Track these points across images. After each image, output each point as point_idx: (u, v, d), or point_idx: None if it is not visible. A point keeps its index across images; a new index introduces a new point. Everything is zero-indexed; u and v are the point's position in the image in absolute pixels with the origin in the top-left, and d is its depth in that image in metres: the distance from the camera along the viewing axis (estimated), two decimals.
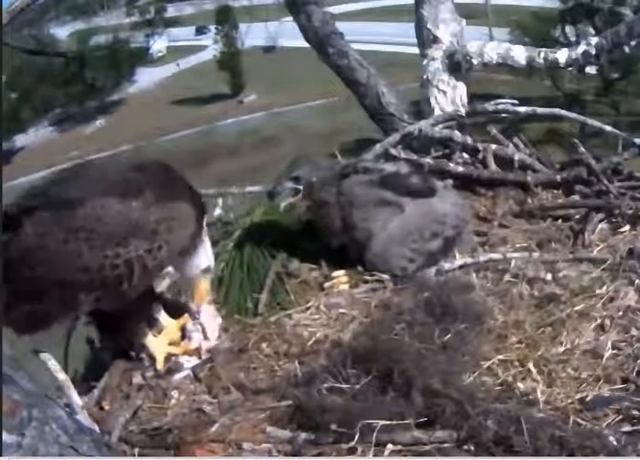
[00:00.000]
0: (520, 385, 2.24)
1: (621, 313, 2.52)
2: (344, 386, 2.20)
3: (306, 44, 4.89)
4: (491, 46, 4.56)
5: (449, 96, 4.48)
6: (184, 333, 2.68)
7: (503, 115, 4.14)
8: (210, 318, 2.70)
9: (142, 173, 2.44)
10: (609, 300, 2.59)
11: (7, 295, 2.25)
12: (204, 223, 2.62)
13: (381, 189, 2.97)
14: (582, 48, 4.43)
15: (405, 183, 3.01)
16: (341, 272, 2.96)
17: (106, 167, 2.53)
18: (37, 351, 2.41)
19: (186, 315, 2.74)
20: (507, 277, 2.80)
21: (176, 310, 2.76)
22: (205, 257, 2.65)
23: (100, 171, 2.47)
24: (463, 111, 4.21)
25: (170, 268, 2.48)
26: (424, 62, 4.55)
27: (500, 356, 2.35)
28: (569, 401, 2.16)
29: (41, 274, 2.27)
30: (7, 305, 2.25)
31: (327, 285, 2.91)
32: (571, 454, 1.94)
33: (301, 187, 2.99)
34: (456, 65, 4.47)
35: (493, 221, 3.32)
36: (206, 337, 2.64)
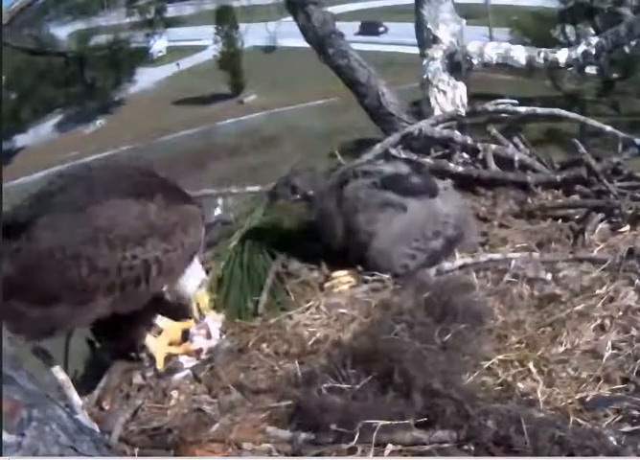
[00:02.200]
0: (520, 385, 2.23)
1: (621, 313, 2.52)
2: (344, 386, 2.20)
3: (306, 44, 4.88)
4: (491, 46, 4.55)
5: (449, 96, 4.47)
6: (186, 336, 2.68)
7: (503, 115, 4.13)
8: (213, 323, 2.71)
9: (151, 178, 2.49)
10: (609, 300, 2.59)
11: (19, 302, 2.23)
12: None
13: (384, 191, 2.97)
14: (582, 48, 4.42)
15: (407, 183, 3.01)
16: (341, 273, 2.96)
17: (112, 170, 2.55)
18: (38, 350, 2.41)
19: (190, 320, 2.74)
20: (507, 277, 2.80)
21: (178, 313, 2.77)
22: (198, 272, 2.69)
23: (106, 174, 2.49)
24: (463, 111, 4.20)
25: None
26: (424, 62, 4.54)
27: (500, 356, 2.35)
28: (569, 401, 2.16)
29: (58, 278, 2.25)
30: (19, 312, 2.23)
31: (327, 285, 2.91)
32: (571, 454, 1.94)
33: (299, 196, 3.01)
34: (456, 65, 4.47)
35: (493, 221, 3.32)
36: (210, 338, 2.65)
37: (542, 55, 4.46)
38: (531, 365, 2.30)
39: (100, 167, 2.61)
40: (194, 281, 2.65)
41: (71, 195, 2.34)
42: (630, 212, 3.19)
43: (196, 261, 2.66)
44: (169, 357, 2.58)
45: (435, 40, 4.51)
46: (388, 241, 2.91)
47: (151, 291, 2.40)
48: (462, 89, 4.53)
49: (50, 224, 2.27)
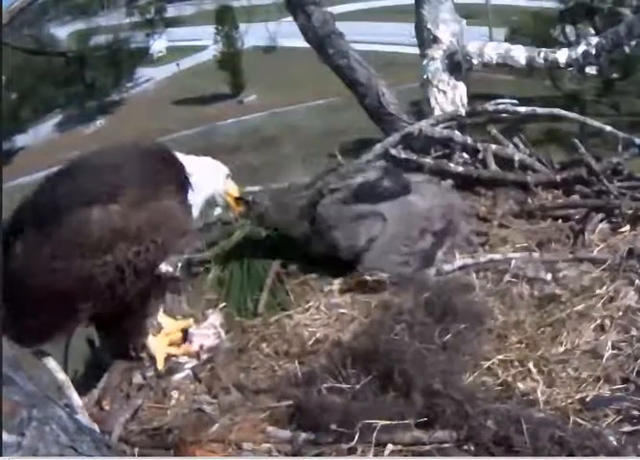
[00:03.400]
0: (520, 385, 2.24)
1: (621, 313, 2.52)
2: (344, 386, 2.20)
3: (306, 44, 4.88)
4: (491, 46, 4.56)
5: (449, 96, 4.47)
6: (185, 336, 2.68)
7: (503, 115, 4.14)
8: (216, 322, 2.71)
9: (120, 174, 2.37)
10: (609, 300, 2.59)
11: (6, 313, 2.24)
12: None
13: (356, 203, 2.94)
14: (582, 48, 4.43)
15: (377, 190, 2.98)
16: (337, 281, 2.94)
17: (83, 173, 2.44)
18: (37, 351, 2.41)
19: (190, 319, 2.74)
20: (507, 277, 2.80)
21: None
22: (218, 169, 2.67)
23: (77, 178, 2.41)
24: (463, 111, 4.21)
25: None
26: (424, 62, 4.55)
27: (500, 356, 2.35)
28: (569, 401, 2.16)
29: (36, 292, 2.25)
30: (8, 322, 2.23)
31: (326, 289, 2.90)
32: (571, 454, 1.94)
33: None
34: (456, 65, 4.47)
35: (493, 221, 3.32)
36: (219, 337, 2.65)
37: (542, 55, 4.46)
38: (531, 365, 2.31)
39: (73, 170, 2.47)
40: (219, 183, 2.65)
41: (37, 212, 2.32)
42: (630, 212, 3.19)
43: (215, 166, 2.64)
44: (169, 357, 2.58)
45: (435, 40, 4.51)
46: (376, 254, 2.88)
47: (131, 292, 2.37)
48: (462, 89, 4.53)
49: (23, 241, 2.27)
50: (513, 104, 4.09)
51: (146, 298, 2.52)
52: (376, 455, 2.03)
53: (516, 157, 3.75)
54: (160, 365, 2.54)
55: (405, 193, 2.99)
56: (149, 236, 2.32)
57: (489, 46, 4.55)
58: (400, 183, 3.03)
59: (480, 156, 3.82)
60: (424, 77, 4.53)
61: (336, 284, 2.91)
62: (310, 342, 2.55)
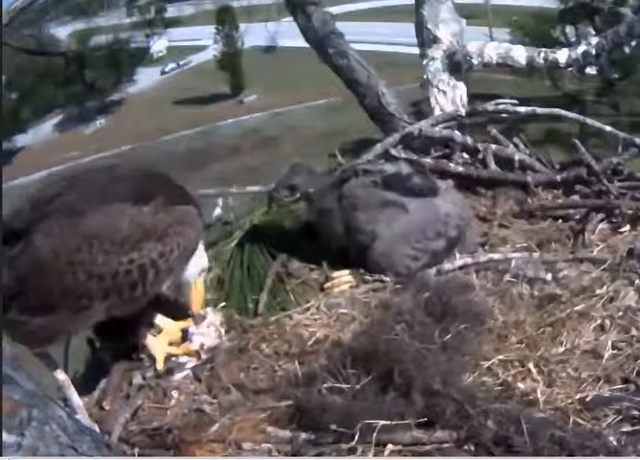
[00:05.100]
0: (520, 385, 2.23)
1: (621, 313, 2.51)
2: (344, 386, 2.20)
3: (306, 44, 4.89)
4: (491, 46, 4.56)
5: (449, 96, 4.48)
6: (185, 336, 2.68)
7: (503, 115, 4.13)
8: (214, 321, 2.71)
9: (149, 180, 2.49)
10: (609, 300, 2.59)
11: (17, 310, 2.21)
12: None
13: (384, 190, 2.96)
14: (582, 48, 4.43)
15: (408, 183, 3.00)
16: (342, 272, 2.95)
17: (110, 174, 2.51)
18: (38, 351, 2.41)
19: (189, 319, 2.74)
20: (507, 277, 2.80)
21: (177, 312, 2.77)
22: (201, 259, 2.68)
23: (104, 178, 2.46)
24: (463, 111, 4.20)
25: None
26: (424, 62, 4.55)
27: (500, 356, 2.35)
28: (569, 401, 2.16)
29: (55, 285, 2.23)
30: (17, 320, 2.21)
31: (327, 285, 2.91)
32: (571, 454, 1.94)
33: (298, 195, 3.00)
34: (456, 65, 4.47)
35: (493, 221, 3.32)
36: (220, 337, 2.65)
37: (542, 55, 4.47)
38: (531, 365, 2.30)
39: (97, 169, 2.57)
40: (194, 270, 2.65)
41: (67, 201, 2.31)
42: (630, 212, 3.19)
43: (201, 246, 2.66)
44: (169, 357, 2.58)
45: (435, 40, 4.52)
46: (389, 243, 2.90)
47: (149, 294, 2.39)
48: (462, 89, 4.53)
49: (45, 232, 2.25)
50: (513, 104, 4.09)
51: (152, 310, 2.54)
52: (376, 455, 2.03)
53: (516, 157, 3.75)
54: (160, 365, 2.54)
55: (432, 194, 3.01)
56: (175, 238, 2.39)
57: (489, 46, 4.55)
58: (429, 184, 3.06)
59: (480, 156, 3.82)
60: (424, 77, 4.53)
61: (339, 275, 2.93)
62: (310, 342, 2.55)
